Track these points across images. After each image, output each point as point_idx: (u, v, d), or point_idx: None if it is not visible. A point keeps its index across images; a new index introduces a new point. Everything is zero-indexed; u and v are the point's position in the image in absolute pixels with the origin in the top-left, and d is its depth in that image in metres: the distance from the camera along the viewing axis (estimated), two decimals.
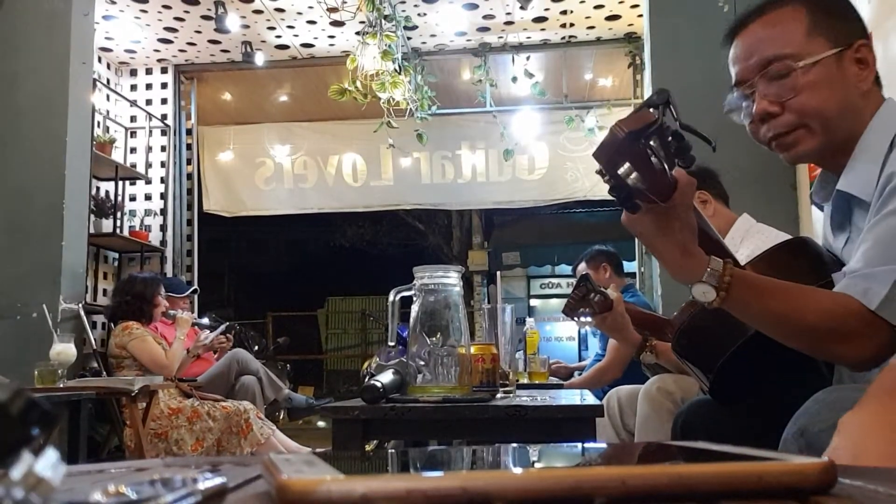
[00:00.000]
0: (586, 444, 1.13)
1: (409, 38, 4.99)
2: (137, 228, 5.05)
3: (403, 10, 4.56)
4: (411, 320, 1.66)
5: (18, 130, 3.82)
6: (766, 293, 1.00)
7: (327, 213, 6.21)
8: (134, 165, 5.13)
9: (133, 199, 5.25)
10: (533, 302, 13.29)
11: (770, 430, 0.95)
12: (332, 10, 4.38)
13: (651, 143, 0.84)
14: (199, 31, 4.85)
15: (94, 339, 4.18)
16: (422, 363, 1.63)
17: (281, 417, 4.75)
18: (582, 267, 3.58)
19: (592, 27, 4.96)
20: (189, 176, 5.50)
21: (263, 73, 5.41)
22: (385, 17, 4.15)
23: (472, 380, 1.66)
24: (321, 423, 7.07)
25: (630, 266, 4.91)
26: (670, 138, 0.85)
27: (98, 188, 4.84)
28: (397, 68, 4.26)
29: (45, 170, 3.78)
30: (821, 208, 1.27)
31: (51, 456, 0.29)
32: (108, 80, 5.15)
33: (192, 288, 4.65)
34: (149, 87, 5.39)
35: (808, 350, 1.03)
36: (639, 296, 3.71)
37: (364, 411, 1.55)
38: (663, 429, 2.16)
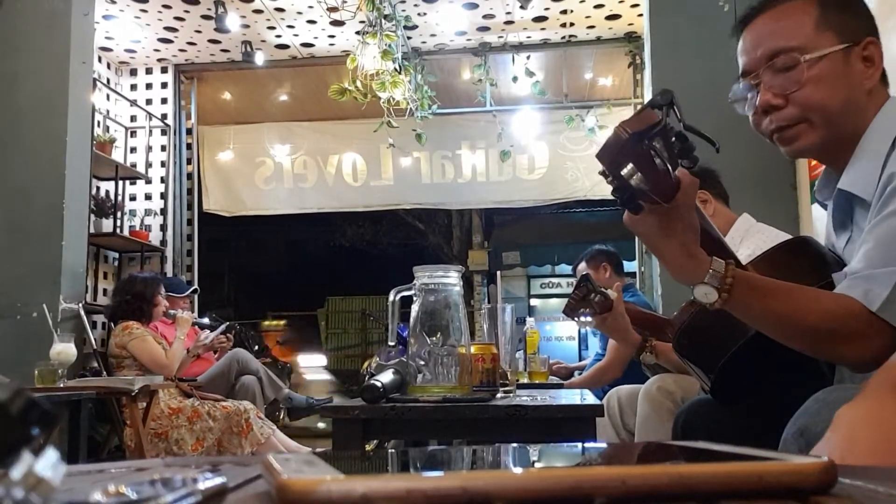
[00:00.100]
0: (586, 444, 1.13)
1: (409, 38, 4.99)
2: (137, 228, 5.05)
3: (403, 10, 4.56)
4: (411, 320, 1.66)
5: (18, 130, 3.82)
6: (767, 294, 1.00)
7: (327, 212, 6.21)
8: (134, 165, 5.13)
9: (133, 198, 5.26)
10: (533, 302, 13.29)
11: (770, 430, 0.95)
12: (332, 9, 4.38)
13: (654, 143, 0.84)
14: (199, 31, 4.85)
15: (95, 339, 4.18)
16: (422, 363, 1.63)
17: (281, 417, 4.75)
18: (582, 267, 3.58)
19: (592, 27, 4.96)
20: (189, 175, 5.50)
21: (263, 72, 5.41)
22: (385, 17, 4.15)
23: (472, 380, 1.66)
24: (321, 425, 7.07)
25: (630, 266, 4.91)
26: (674, 139, 0.85)
27: (98, 188, 4.84)
28: (397, 68, 4.26)
29: (45, 169, 3.78)
30: (824, 207, 1.27)
31: (51, 456, 0.29)
32: (108, 80, 5.15)
33: (193, 288, 4.65)
34: (149, 86, 5.39)
35: (809, 351, 1.03)
36: (639, 295, 3.71)
37: (364, 411, 1.55)
38: (663, 428, 2.16)
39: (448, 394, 1.60)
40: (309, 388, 4.02)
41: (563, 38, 5.13)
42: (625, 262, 3.94)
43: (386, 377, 1.64)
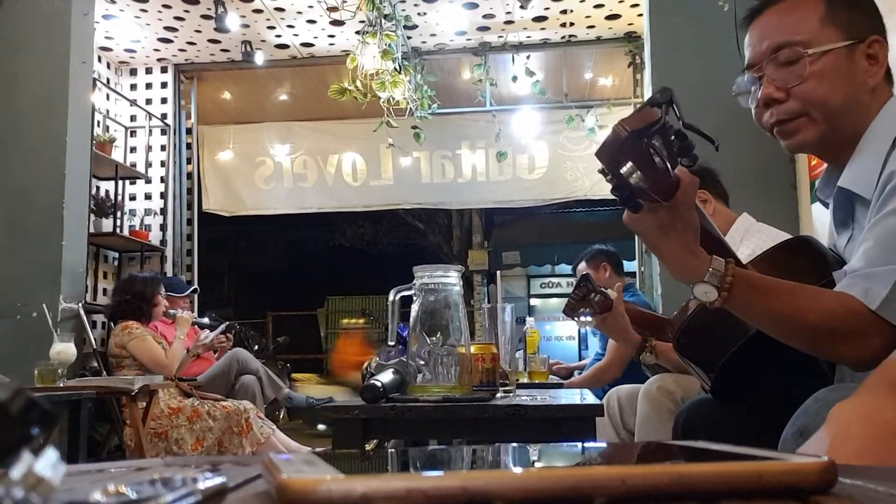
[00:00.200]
0: (586, 444, 1.13)
1: (409, 38, 4.99)
2: (137, 228, 5.05)
3: (403, 10, 4.56)
4: (411, 320, 1.66)
5: (18, 130, 3.82)
6: (767, 293, 1.00)
7: (327, 212, 6.21)
8: (134, 165, 5.13)
9: (133, 198, 5.26)
10: (533, 301, 13.29)
11: (770, 430, 0.95)
12: (332, 9, 4.38)
13: (654, 142, 0.84)
14: (198, 31, 4.85)
15: (94, 339, 4.18)
16: (422, 363, 1.63)
17: (281, 417, 4.75)
18: (582, 266, 3.58)
19: (592, 26, 4.96)
20: (189, 175, 5.50)
21: (263, 72, 5.41)
22: (385, 17, 4.15)
23: (472, 379, 1.66)
24: (322, 426, 7.07)
25: (630, 265, 4.91)
26: (673, 137, 0.85)
27: (98, 188, 4.84)
28: (397, 68, 4.26)
29: (45, 169, 3.78)
30: (825, 205, 1.27)
31: (51, 455, 0.29)
32: (107, 80, 5.15)
33: (192, 287, 4.65)
34: (149, 86, 5.39)
35: (809, 350, 1.03)
36: (639, 295, 3.71)
37: (364, 411, 1.55)
38: (663, 428, 2.16)
39: (448, 393, 1.60)
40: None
41: (563, 37, 5.13)
42: (625, 262, 3.94)
43: (386, 377, 1.64)
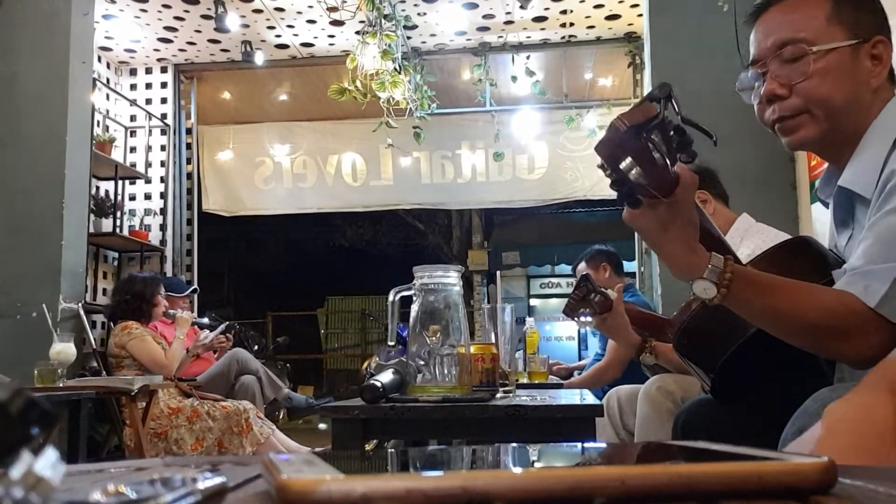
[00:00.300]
0: (586, 444, 1.13)
1: (408, 38, 4.99)
2: (137, 228, 5.05)
3: (403, 10, 4.56)
4: (411, 320, 1.66)
5: (18, 130, 3.82)
6: (766, 290, 1.00)
7: (327, 212, 6.21)
8: (134, 165, 5.13)
9: (133, 198, 5.26)
10: (533, 302, 13.29)
11: (770, 430, 0.95)
12: (332, 9, 4.38)
13: (653, 137, 0.84)
14: (198, 31, 4.85)
15: (94, 339, 4.18)
16: (421, 363, 1.63)
17: (281, 417, 4.75)
18: (582, 267, 3.58)
19: (592, 27, 4.96)
20: (189, 175, 5.50)
21: (263, 72, 5.41)
22: (385, 17, 4.15)
23: (472, 379, 1.66)
24: (322, 426, 7.07)
25: (630, 266, 4.92)
26: (672, 133, 0.85)
27: (98, 188, 4.84)
28: (397, 68, 4.26)
29: (44, 169, 3.78)
30: (826, 205, 1.27)
31: (50, 455, 0.29)
32: (107, 80, 5.15)
33: (192, 287, 4.65)
34: (148, 86, 5.39)
35: (808, 347, 1.03)
36: (639, 295, 3.71)
37: (364, 411, 1.55)
38: (663, 428, 2.16)
39: (448, 394, 1.60)
40: None
41: (563, 38, 5.13)
42: (625, 262, 3.94)
43: (386, 377, 1.64)
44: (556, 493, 0.34)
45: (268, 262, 17.25)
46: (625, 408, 2.66)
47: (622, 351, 2.83)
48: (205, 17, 4.61)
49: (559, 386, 3.06)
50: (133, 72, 5.39)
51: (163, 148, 5.29)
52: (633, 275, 5.00)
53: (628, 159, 0.83)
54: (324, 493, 0.33)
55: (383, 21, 4.12)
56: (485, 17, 4.78)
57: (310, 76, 5.54)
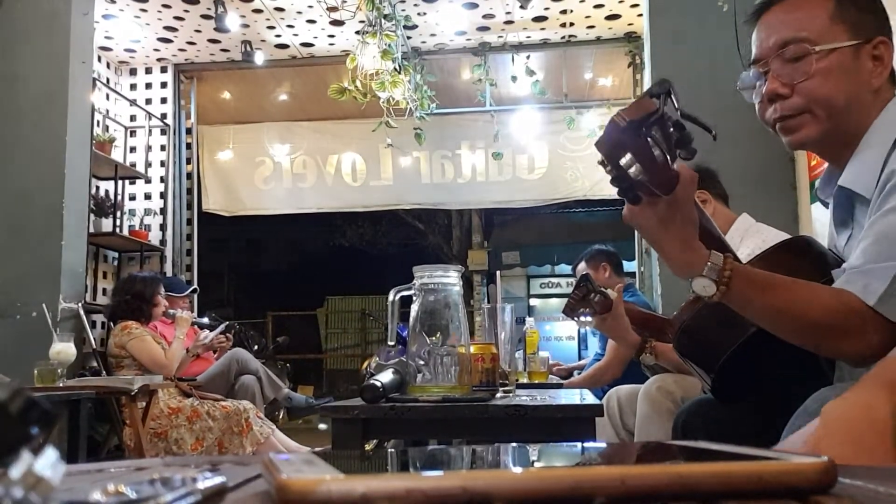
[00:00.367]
0: (586, 444, 1.13)
1: (408, 38, 4.99)
2: (137, 228, 5.05)
3: (403, 10, 4.56)
4: (411, 320, 1.66)
5: (18, 130, 3.82)
6: (766, 288, 1.00)
7: (327, 212, 6.21)
8: (134, 165, 5.13)
9: (133, 198, 5.26)
10: (533, 301, 13.29)
11: (770, 430, 0.95)
12: (332, 9, 4.38)
13: (653, 133, 0.84)
14: (198, 31, 4.85)
15: (94, 339, 4.18)
16: (421, 363, 1.63)
17: (281, 417, 4.75)
18: (582, 266, 3.58)
19: (592, 26, 4.96)
20: (189, 175, 5.50)
21: (263, 72, 5.41)
22: (385, 17, 4.15)
23: (472, 379, 1.66)
24: (322, 426, 7.07)
25: (630, 265, 4.92)
26: (672, 129, 0.85)
27: (98, 187, 4.84)
28: (397, 67, 4.26)
29: (44, 169, 3.78)
30: (826, 205, 1.27)
31: (50, 455, 0.29)
32: (107, 80, 5.15)
33: (192, 287, 4.65)
34: (148, 86, 5.39)
35: (808, 345, 1.03)
36: (639, 295, 3.71)
37: (364, 411, 1.55)
38: (663, 428, 2.16)
39: (448, 393, 1.59)
40: None
41: (563, 37, 5.13)
42: (625, 262, 3.94)
43: (385, 377, 1.64)
44: (556, 493, 0.34)
45: (268, 262, 17.25)
46: (625, 408, 2.66)
47: (622, 351, 2.83)
48: (205, 16, 4.61)
49: (559, 386, 3.06)
50: (133, 72, 5.39)
51: (163, 148, 5.29)
52: (633, 275, 5.00)
53: (628, 155, 0.83)
54: (324, 493, 0.33)
55: (383, 21, 4.12)
56: (485, 16, 4.78)
57: (310, 76, 5.54)
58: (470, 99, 5.47)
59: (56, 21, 3.86)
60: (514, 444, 0.63)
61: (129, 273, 4.47)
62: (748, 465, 0.37)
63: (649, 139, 0.83)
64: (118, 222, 4.83)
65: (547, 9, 4.69)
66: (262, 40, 5.01)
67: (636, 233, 4.66)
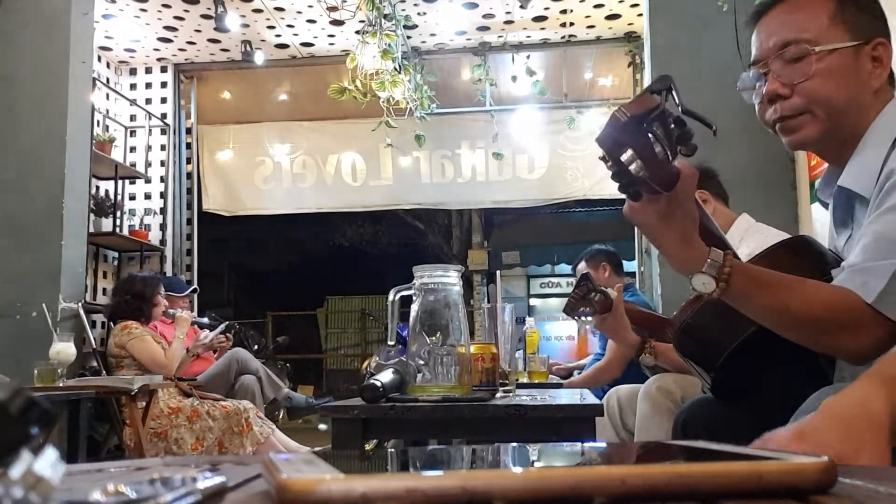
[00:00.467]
0: (586, 444, 1.13)
1: (408, 38, 4.99)
2: (137, 227, 5.05)
3: (403, 9, 4.56)
4: (411, 320, 1.66)
5: (18, 130, 3.82)
6: (765, 284, 1.00)
7: (327, 212, 6.20)
8: (133, 164, 5.13)
9: (133, 198, 5.25)
10: (533, 301, 13.29)
11: (770, 429, 0.95)
12: (332, 9, 4.37)
13: (654, 129, 0.84)
14: (198, 30, 4.85)
15: (94, 339, 4.18)
16: (421, 362, 1.63)
17: (280, 416, 4.75)
18: (582, 266, 3.58)
19: (592, 26, 4.96)
20: (189, 175, 5.50)
21: (263, 72, 5.41)
22: (385, 16, 4.15)
23: (472, 379, 1.66)
24: (322, 426, 7.07)
25: (630, 266, 4.92)
26: (672, 125, 0.85)
27: (98, 187, 4.84)
28: (397, 67, 4.26)
29: (44, 169, 3.78)
30: (826, 206, 1.27)
31: (50, 455, 0.29)
32: (107, 80, 5.14)
33: (192, 287, 4.65)
34: (148, 86, 5.39)
35: (807, 342, 1.03)
36: (639, 295, 3.71)
37: (364, 410, 1.55)
38: (663, 428, 2.16)
39: (448, 393, 1.59)
40: None
41: (563, 37, 5.13)
42: (625, 262, 3.94)
43: (385, 377, 1.64)
44: (556, 493, 0.34)
45: (268, 262, 17.25)
46: (625, 407, 2.66)
47: (622, 351, 2.83)
48: (205, 16, 4.61)
49: (559, 386, 3.06)
50: (133, 71, 5.39)
51: (163, 148, 5.29)
52: (633, 274, 5.00)
53: (629, 151, 0.83)
54: (323, 493, 0.33)
55: (383, 20, 4.12)
56: (485, 16, 4.78)
57: (310, 76, 5.54)
58: (470, 99, 5.47)
59: (56, 21, 3.86)
60: (514, 444, 0.63)
61: (129, 273, 4.47)
62: (748, 465, 0.37)
63: (650, 135, 0.83)
64: (118, 222, 4.83)
65: (547, 8, 4.69)
66: (262, 40, 5.01)
67: (636, 233, 4.66)
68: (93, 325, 4.27)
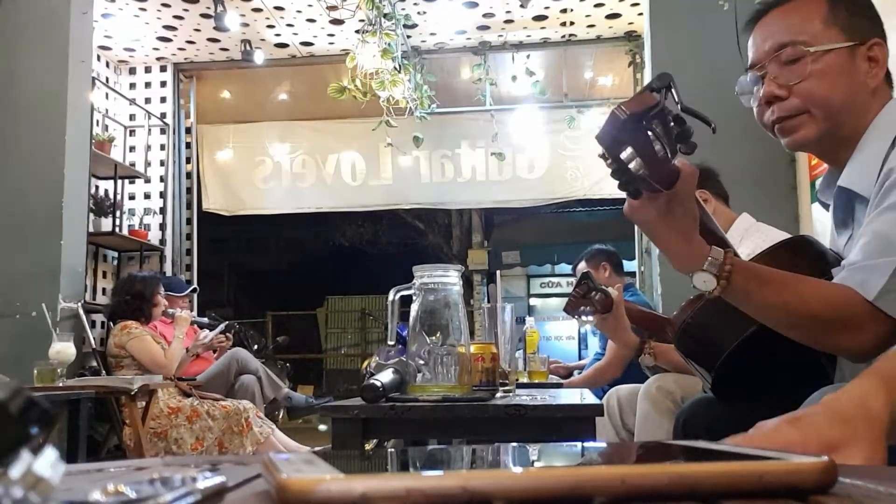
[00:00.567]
0: (586, 444, 1.13)
1: (408, 37, 4.99)
2: (137, 227, 5.05)
3: (403, 9, 4.56)
4: (411, 319, 1.66)
5: (17, 129, 3.82)
6: (766, 282, 1.00)
7: (326, 212, 6.20)
8: (133, 164, 5.13)
9: (132, 197, 5.25)
10: (533, 301, 13.29)
11: None
12: (332, 8, 4.37)
13: (653, 126, 0.84)
14: (198, 30, 4.85)
15: (94, 338, 4.18)
16: (421, 362, 1.63)
17: (280, 416, 4.75)
18: (582, 266, 3.58)
19: (592, 25, 4.96)
20: (188, 175, 5.50)
21: (263, 71, 5.41)
22: (385, 16, 4.15)
23: (472, 379, 1.66)
24: (322, 426, 7.07)
25: (630, 265, 4.91)
26: (672, 123, 0.85)
27: (97, 187, 4.84)
28: (397, 67, 4.26)
29: (44, 169, 3.78)
30: (826, 207, 1.28)
31: (50, 455, 0.29)
32: (107, 79, 5.14)
33: (192, 287, 4.65)
34: (148, 85, 5.38)
35: (807, 340, 1.03)
36: (639, 295, 3.71)
37: (364, 410, 1.55)
38: (663, 428, 2.16)
39: (447, 393, 1.59)
40: None
41: (563, 37, 5.12)
42: (625, 262, 3.94)
43: (385, 376, 1.64)
44: (556, 492, 0.34)
45: (268, 262, 17.25)
46: (625, 407, 2.66)
47: (622, 350, 2.83)
48: (204, 15, 4.61)
49: (559, 386, 3.06)
50: (132, 71, 5.39)
51: (162, 147, 5.29)
52: (633, 274, 5.00)
53: (629, 150, 0.83)
54: (323, 493, 0.33)
55: (383, 20, 4.12)
56: (485, 15, 4.78)
57: (309, 75, 5.54)
58: (470, 98, 5.46)
59: (55, 20, 3.86)
60: (514, 444, 0.63)
61: (129, 273, 4.47)
62: (748, 465, 0.37)
63: (650, 133, 0.83)
64: (118, 222, 4.83)
65: (547, 8, 4.69)
66: (262, 39, 5.01)
67: (637, 232, 4.66)
68: (92, 324, 4.27)
